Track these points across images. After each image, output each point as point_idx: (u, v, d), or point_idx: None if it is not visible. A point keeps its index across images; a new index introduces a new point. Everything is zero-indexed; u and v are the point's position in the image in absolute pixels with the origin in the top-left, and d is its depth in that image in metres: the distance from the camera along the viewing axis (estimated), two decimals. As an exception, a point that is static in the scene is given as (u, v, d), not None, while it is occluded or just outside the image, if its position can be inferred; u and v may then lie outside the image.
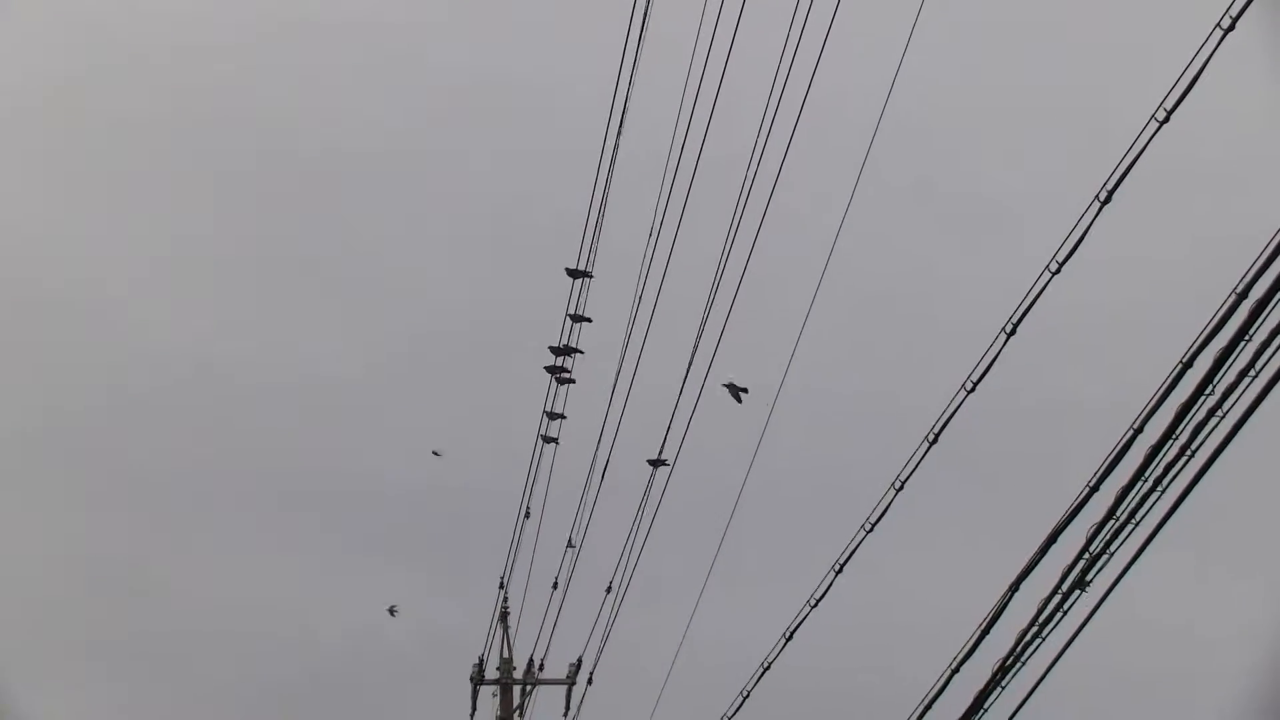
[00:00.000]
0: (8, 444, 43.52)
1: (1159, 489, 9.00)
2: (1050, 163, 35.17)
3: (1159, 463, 8.97)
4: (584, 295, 16.11)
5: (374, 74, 45.49)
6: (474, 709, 24.65)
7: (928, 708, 11.10)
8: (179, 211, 45.78)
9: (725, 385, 14.57)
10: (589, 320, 16.48)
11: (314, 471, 44.22)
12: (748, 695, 14.85)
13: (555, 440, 18.27)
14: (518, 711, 24.03)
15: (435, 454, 27.45)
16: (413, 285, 44.79)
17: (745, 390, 14.13)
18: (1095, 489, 9.50)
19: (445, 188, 45.08)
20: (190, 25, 44.71)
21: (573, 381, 17.25)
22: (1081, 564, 9.59)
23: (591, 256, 15.50)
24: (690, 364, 14.37)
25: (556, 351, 16.95)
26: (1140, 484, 9.11)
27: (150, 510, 43.01)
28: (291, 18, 41.61)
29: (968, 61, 34.99)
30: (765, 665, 14.22)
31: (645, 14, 12.83)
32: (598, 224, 14.98)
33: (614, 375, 16.06)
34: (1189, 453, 8.77)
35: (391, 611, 28.29)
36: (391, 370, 44.11)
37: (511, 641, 23.97)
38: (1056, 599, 9.80)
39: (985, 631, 10.55)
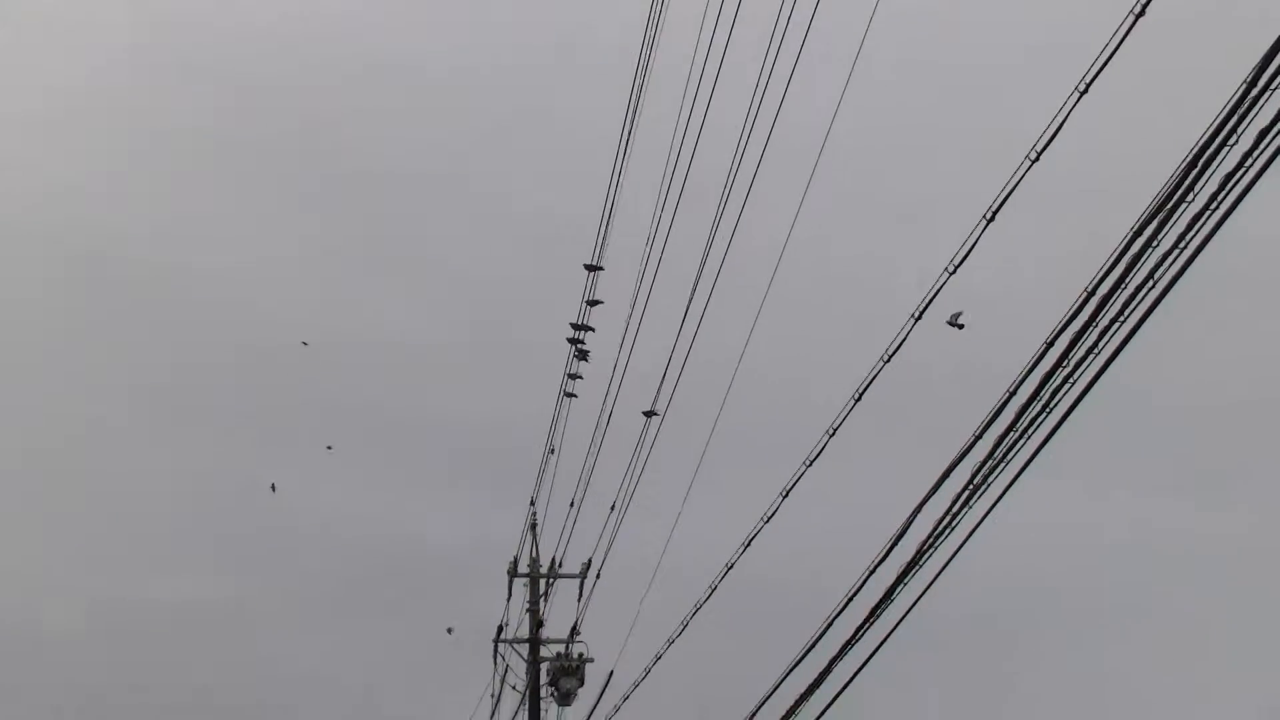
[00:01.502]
0: (156, 393, 43.66)
1: (1025, 436, 9.07)
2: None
3: (1026, 417, 9.04)
4: (596, 283, 16.27)
5: (419, 110, 45.25)
6: (509, 595, 24.74)
7: (849, 601, 11.15)
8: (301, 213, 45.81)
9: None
10: (601, 303, 16.65)
11: (393, 416, 44.32)
12: (714, 589, 14.98)
13: (574, 395, 18.38)
14: (543, 597, 24.11)
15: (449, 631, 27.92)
16: (476, 276, 44.87)
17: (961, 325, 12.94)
18: (979, 437, 9.55)
19: (490, 202, 45.14)
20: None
21: (587, 351, 17.36)
22: (966, 493, 9.66)
23: (601, 253, 15.61)
24: (676, 339, 14.48)
25: (575, 328, 17.11)
26: (1011, 432, 9.17)
27: (272, 442, 43.14)
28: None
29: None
30: (729, 565, 14.35)
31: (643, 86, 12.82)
32: (606, 229, 15.07)
33: (617, 346, 16.26)
34: (1048, 409, 8.83)
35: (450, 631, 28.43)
36: (459, 339, 44.23)
37: (538, 545, 24.06)
38: (946, 519, 9.88)
39: (895, 542, 10.59)
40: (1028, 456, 9.19)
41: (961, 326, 12.37)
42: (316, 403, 43.62)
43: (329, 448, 30.77)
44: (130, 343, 44.46)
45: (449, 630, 27.93)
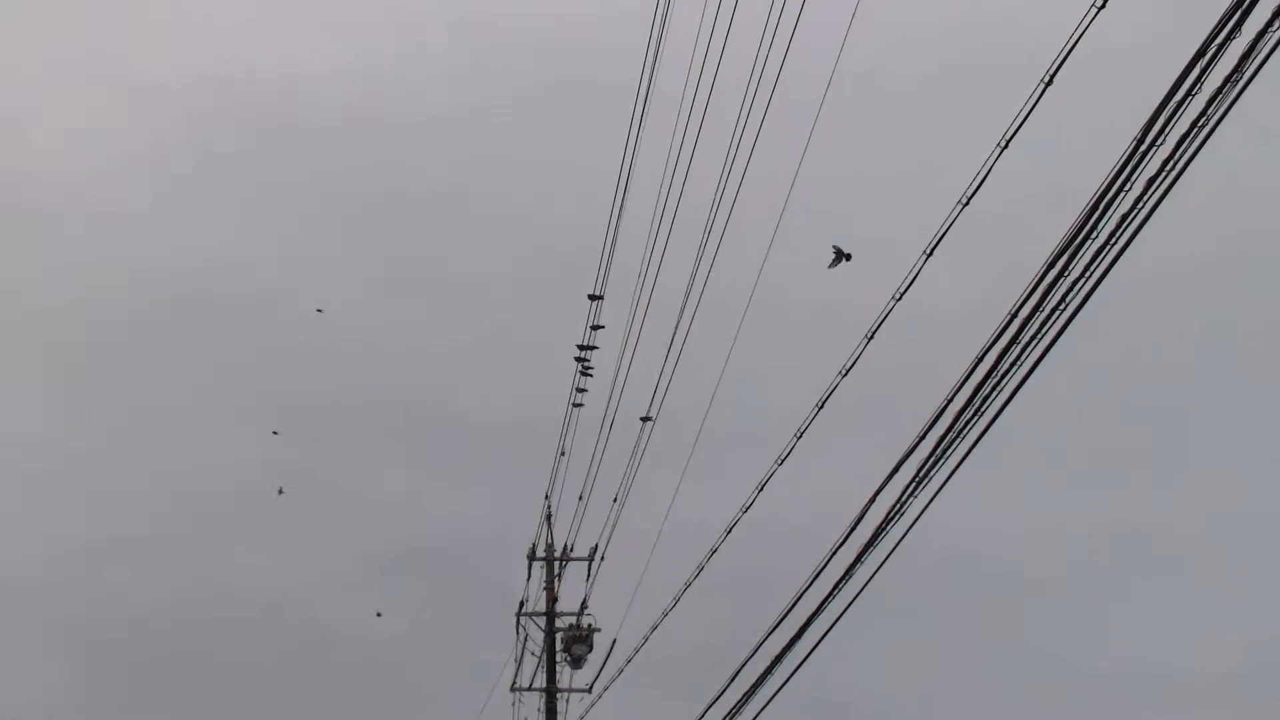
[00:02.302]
0: (223, 392, 43.70)
1: (961, 435, 9.24)
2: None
3: (962, 420, 9.21)
4: (600, 311, 16.38)
5: (441, 140, 45.10)
6: (529, 576, 24.87)
7: (816, 576, 11.30)
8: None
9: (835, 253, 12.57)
10: (603, 327, 16.71)
11: (430, 412, 44.34)
12: (701, 569, 15.17)
13: (581, 405, 18.48)
14: (557, 578, 24.27)
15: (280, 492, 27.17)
16: (492, 297, 44.85)
17: (849, 256, 12.25)
18: (923, 437, 9.71)
19: (510, 230, 45.16)
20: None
21: (592, 369, 17.44)
22: (913, 484, 9.83)
23: (603, 284, 15.73)
24: (667, 355, 14.65)
25: (581, 348, 17.18)
26: (950, 433, 9.35)
27: (315, 434, 43.16)
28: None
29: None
30: (713, 549, 14.53)
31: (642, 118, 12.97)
32: (607, 265, 15.20)
33: (616, 363, 16.40)
34: (980, 412, 9.01)
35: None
36: (478, 344, 44.18)
37: (553, 532, 24.23)
38: (897, 507, 10.04)
39: (854, 526, 10.73)
40: (964, 452, 9.39)
41: (848, 257, 12.08)
42: (361, 400, 43.66)
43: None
44: (200, 352, 44.51)
45: (279, 491, 27.07)
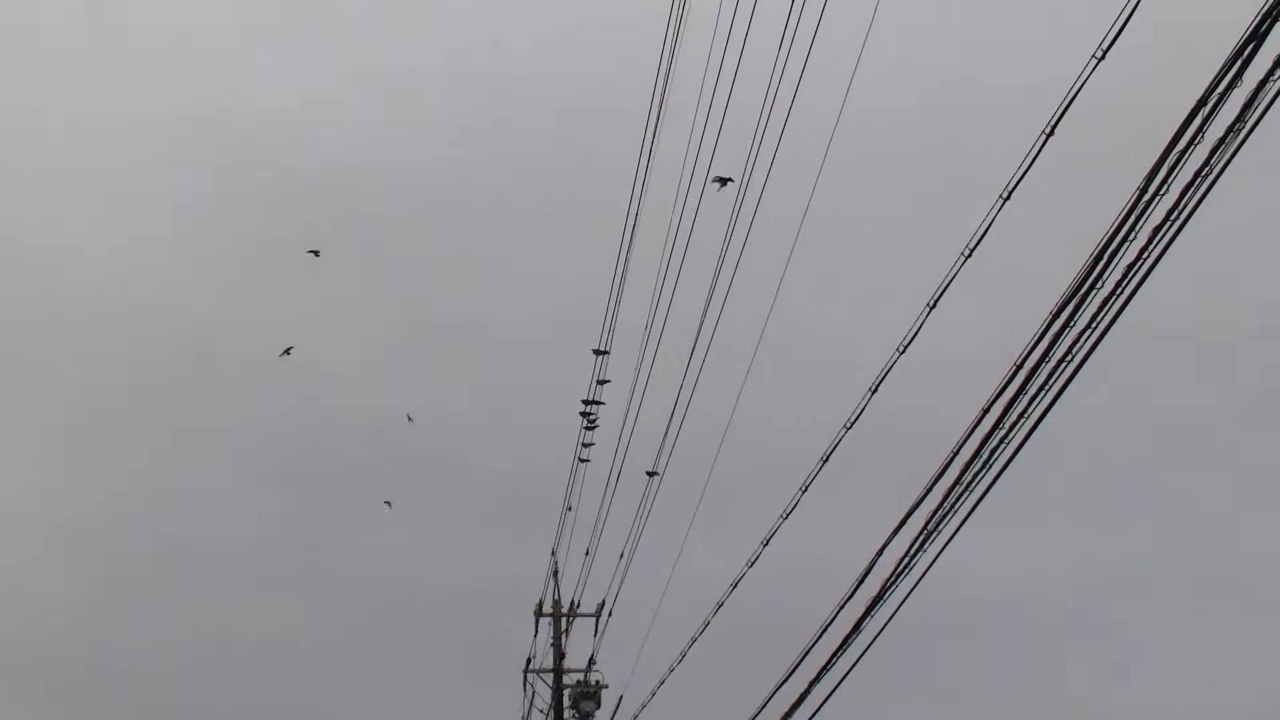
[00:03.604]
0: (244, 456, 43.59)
1: (968, 490, 9.12)
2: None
3: (970, 473, 9.10)
4: (605, 365, 16.33)
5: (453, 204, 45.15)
6: (536, 632, 24.67)
7: (823, 631, 11.15)
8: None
9: (715, 180, 12.66)
10: (609, 381, 16.64)
11: (437, 467, 44.20)
12: (707, 624, 14.99)
13: (587, 460, 18.36)
14: (564, 634, 24.04)
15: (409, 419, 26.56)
16: (499, 351, 44.83)
17: (730, 180, 12.21)
18: (930, 490, 9.58)
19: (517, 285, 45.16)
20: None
21: (597, 422, 17.34)
22: (921, 537, 9.69)
23: (609, 339, 15.71)
24: (674, 409, 14.56)
25: (586, 403, 17.08)
26: (957, 486, 9.23)
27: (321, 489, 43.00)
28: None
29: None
30: (719, 604, 14.36)
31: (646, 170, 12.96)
32: (613, 321, 15.18)
33: (622, 417, 16.32)
34: (988, 465, 8.89)
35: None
36: (484, 411, 44.13)
37: (559, 588, 24.03)
38: (905, 560, 9.90)
39: (862, 580, 10.57)
40: (971, 505, 9.26)
41: (729, 180, 12.08)
42: (367, 454, 43.51)
43: (388, 504, 30.36)
44: (204, 406, 44.44)
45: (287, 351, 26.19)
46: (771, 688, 12.40)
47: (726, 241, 12.37)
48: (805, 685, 11.54)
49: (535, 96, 44.63)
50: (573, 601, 23.49)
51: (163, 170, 44.71)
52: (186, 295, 44.07)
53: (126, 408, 44.31)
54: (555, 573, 23.89)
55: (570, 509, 20.51)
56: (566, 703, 23.30)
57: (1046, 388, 8.21)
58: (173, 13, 44.74)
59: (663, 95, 11.99)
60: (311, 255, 25.08)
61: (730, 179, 12.26)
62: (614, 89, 37.57)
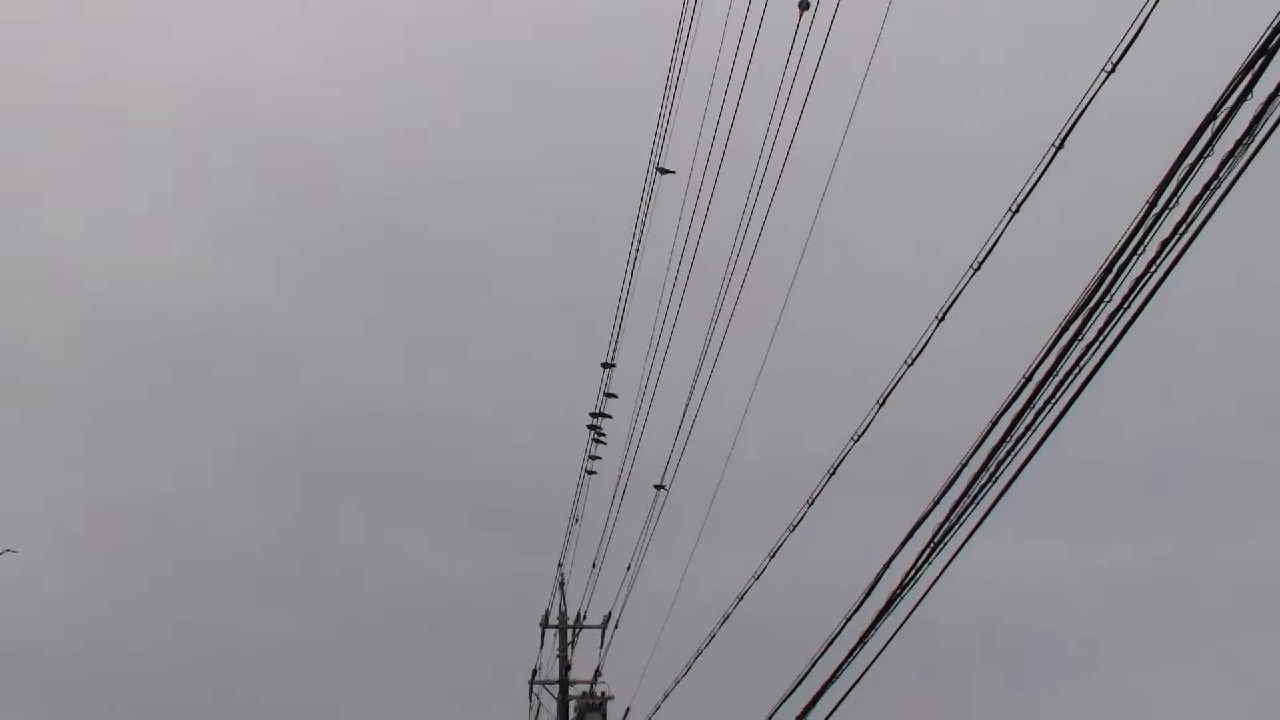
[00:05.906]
0: (245, 457, 43.54)
1: (974, 502, 9.11)
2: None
3: (977, 485, 9.08)
4: (611, 379, 16.32)
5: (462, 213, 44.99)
6: (542, 644, 24.65)
7: (830, 643, 11.11)
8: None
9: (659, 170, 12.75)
10: (615, 396, 16.61)
11: (444, 478, 44.15)
12: (713, 636, 14.97)
13: (594, 472, 18.34)
14: (570, 645, 24.01)
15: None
16: (506, 362, 44.75)
17: (672, 171, 12.47)
18: (938, 502, 9.56)
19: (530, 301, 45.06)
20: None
21: (605, 435, 17.32)
22: (929, 549, 9.67)
23: (615, 352, 15.69)
24: (681, 421, 14.54)
25: (594, 415, 17.06)
26: (965, 498, 9.21)
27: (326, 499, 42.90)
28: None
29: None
30: (725, 616, 14.34)
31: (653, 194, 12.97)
32: (618, 335, 15.18)
33: (629, 430, 16.31)
34: (994, 477, 8.87)
35: None
36: (496, 408, 44.02)
37: (565, 600, 24.02)
38: (912, 572, 9.88)
39: (869, 592, 10.54)
40: (979, 517, 9.25)
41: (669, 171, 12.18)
42: (374, 465, 43.51)
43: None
44: (206, 406, 44.43)
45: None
46: (778, 699, 12.38)
47: (734, 254, 12.38)
48: (812, 697, 11.52)
49: (540, 90, 44.55)
50: (579, 613, 23.49)
51: (162, 163, 44.75)
52: (187, 294, 44.14)
53: (127, 406, 44.34)
54: (562, 584, 23.89)
55: (577, 521, 20.52)
56: (572, 714, 23.28)
57: (1055, 400, 8.21)
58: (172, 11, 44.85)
59: (675, 90, 11.95)
60: (314, 253, 25.00)
61: (672, 170, 12.42)
62: (630, 90, 37.60)
